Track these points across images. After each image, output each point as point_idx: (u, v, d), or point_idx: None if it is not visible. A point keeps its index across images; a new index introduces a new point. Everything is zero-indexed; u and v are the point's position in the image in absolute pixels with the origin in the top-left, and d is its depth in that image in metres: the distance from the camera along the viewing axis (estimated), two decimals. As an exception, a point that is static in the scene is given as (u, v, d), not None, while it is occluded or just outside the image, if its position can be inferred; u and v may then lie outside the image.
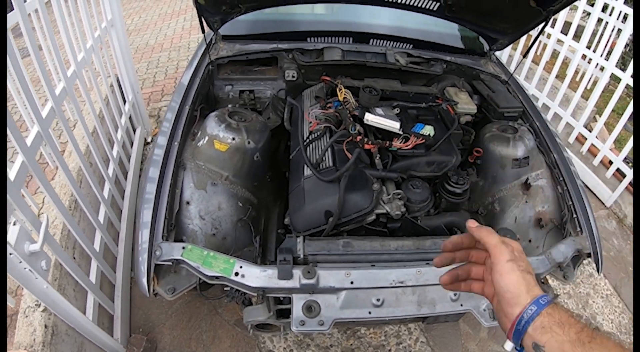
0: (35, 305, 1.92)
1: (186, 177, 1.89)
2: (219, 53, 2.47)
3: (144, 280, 1.55)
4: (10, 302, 1.89)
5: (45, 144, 1.86)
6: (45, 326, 1.87)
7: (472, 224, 0.89)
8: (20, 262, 1.52)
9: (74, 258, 2.28)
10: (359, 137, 1.77)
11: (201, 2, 2.08)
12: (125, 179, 3.02)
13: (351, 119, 1.85)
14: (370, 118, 1.85)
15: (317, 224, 1.75)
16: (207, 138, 1.94)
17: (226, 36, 2.58)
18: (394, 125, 1.87)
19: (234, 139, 1.91)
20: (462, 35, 2.87)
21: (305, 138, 1.97)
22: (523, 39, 4.22)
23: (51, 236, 1.75)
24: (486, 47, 2.82)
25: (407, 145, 1.85)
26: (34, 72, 1.89)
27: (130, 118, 3.38)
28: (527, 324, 0.73)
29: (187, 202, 1.86)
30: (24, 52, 1.87)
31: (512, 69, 4.55)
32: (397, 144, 1.85)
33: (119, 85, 3.25)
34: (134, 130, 3.54)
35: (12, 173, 1.56)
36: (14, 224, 1.54)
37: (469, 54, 2.76)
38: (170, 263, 1.58)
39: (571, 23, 3.95)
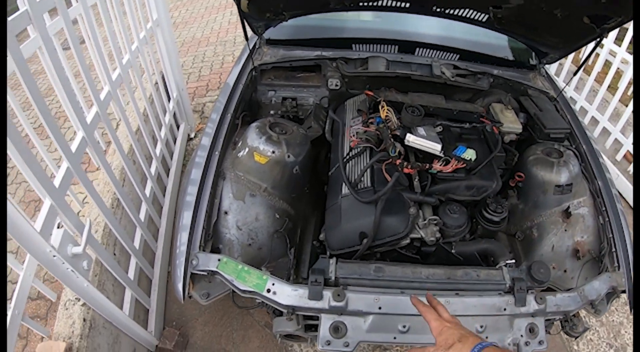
0: (76, 299, 2.00)
1: (225, 186, 1.90)
2: (262, 58, 2.45)
3: (180, 286, 1.59)
4: (52, 296, 1.98)
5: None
6: (84, 320, 1.95)
7: (414, 300, 1.23)
8: (63, 263, 1.58)
9: (114, 254, 2.35)
10: (398, 161, 1.72)
11: (244, 10, 2.05)
12: (167, 175, 3.07)
13: (392, 139, 1.80)
14: (411, 139, 1.80)
15: (351, 244, 1.73)
16: (247, 149, 1.94)
17: (270, 40, 2.56)
18: (435, 148, 1.81)
19: (273, 152, 1.90)
20: (510, 46, 2.74)
21: (345, 154, 1.94)
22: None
23: (93, 237, 1.79)
24: (535, 60, 2.69)
25: (447, 169, 1.79)
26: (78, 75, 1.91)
27: (174, 114, 3.42)
28: None
29: (225, 212, 1.87)
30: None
31: (562, 78, 4.41)
32: (437, 166, 1.79)
33: (164, 83, 3.28)
34: (178, 127, 3.59)
35: (57, 180, 1.61)
36: (58, 227, 1.60)
37: (517, 67, 2.63)
38: (205, 273, 1.61)
39: (627, 29, 3.70)
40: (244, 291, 1.56)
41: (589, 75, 4.08)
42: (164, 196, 2.93)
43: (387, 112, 1.91)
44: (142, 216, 2.51)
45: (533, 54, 2.64)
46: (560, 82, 4.40)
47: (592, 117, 4.08)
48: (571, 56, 4.48)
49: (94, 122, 1.98)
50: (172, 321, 2.66)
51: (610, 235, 1.87)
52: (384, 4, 2.26)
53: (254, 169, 1.92)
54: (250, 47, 2.50)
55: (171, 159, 3.21)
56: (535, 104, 2.39)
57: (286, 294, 1.53)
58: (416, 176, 1.85)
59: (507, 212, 1.83)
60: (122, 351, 2.22)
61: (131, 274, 2.33)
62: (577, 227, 1.97)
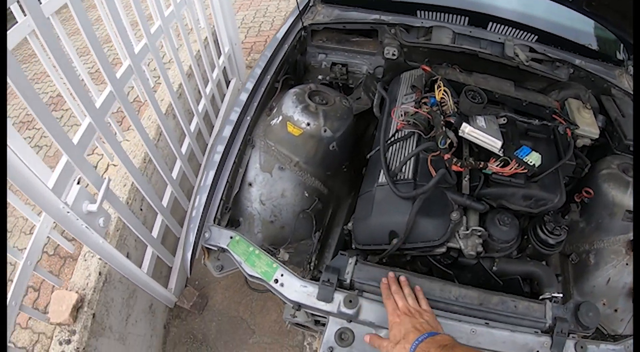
0: (95, 251, 1.93)
1: (253, 156, 1.71)
2: (315, 17, 2.16)
3: (188, 255, 1.47)
4: (69, 248, 1.92)
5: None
6: (99, 273, 1.90)
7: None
8: (77, 220, 1.52)
9: (141, 210, 2.26)
10: (447, 156, 1.42)
11: None
12: (210, 133, 2.91)
13: (443, 127, 1.49)
14: (467, 131, 1.48)
15: (379, 242, 1.48)
16: (281, 118, 1.70)
17: (326, -1, 2.25)
18: (494, 144, 1.49)
19: (309, 124, 1.66)
20: (596, 34, 2.26)
21: (389, 136, 1.66)
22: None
23: (113, 194, 1.71)
24: (624, 54, 2.20)
25: (504, 171, 1.47)
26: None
27: (224, 70, 3.22)
28: None
29: (250, 184, 1.69)
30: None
31: None
32: (493, 166, 1.48)
33: (215, 39, 3.06)
34: (228, 83, 3.39)
35: (77, 136, 1.53)
36: (78, 182, 1.53)
37: (601, 60, 2.17)
38: (216, 248, 1.46)
39: None
40: (251, 276, 1.39)
41: None
42: (203, 154, 2.78)
43: (442, 94, 1.59)
44: (175, 173, 2.37)
45: (622, 46, 2.17)
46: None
47: None
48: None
49: (126, 75, 1.83)
50: (195, 280, 2.58)
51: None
52: None
53: (286, 141, 1.70)
54: (304, 4, 2.22)
55: (216, 116, 3.04)
56: (618, 107, 1.97)
57: (294, 288, 1.34)
58: (467, 174, 1.54)
59: (565, 234, 1.49)
60: (138, 305, 2.17)
61: (155, 231, 2.24)
62: None
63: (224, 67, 3.18)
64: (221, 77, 3.06)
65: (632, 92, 2.06)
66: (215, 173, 1.58)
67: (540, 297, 1.45)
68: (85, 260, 1.91)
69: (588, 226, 1.77)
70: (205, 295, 2.51)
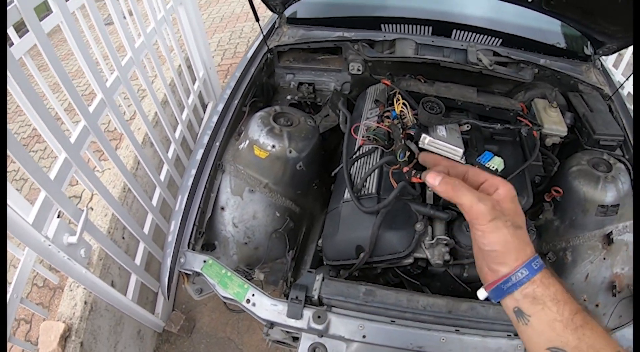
0: (79, 281, 1.97)
1: (224, 180, 1.75)
2: (281, 39, 2.21)
3: (165, 280, 1.53)
4: (53, 279, 1.95)
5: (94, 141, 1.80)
6: (85, 302, 1.95)
7: (431, 179, 0.75)
8: (59, 252, 1.57)
9: (123, 238, 2.29)
10: (405, 168, 1.45)
11: None
12: (189, 160, 2.95)
13: (402, 140, 1.52)
14: (427, 142, 1.51)
15: (347, 257, 1.50)
16: (247, 142, 1.74)
17: (291, 19, 2.30)
18: (455, 153, 1.51)
19: (274, 146, 1.69)
20: (562, 32, 2.30)
21: (352, 154, 1.69)
22: None
23: (93, 225, 1.75)
24: (590, 50, 2.24)
25: (468, 178, 1.49)
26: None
27: (200, 94, 3.27)
28: (513, 288, 0.66)
29: (222, 208, 1.73)
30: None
31: (620, 71, 3.77)
32: (456, 174, 1.51)
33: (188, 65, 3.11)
34: (205, 107, 3.43)
35: (53, 171, 1.57)
36: (59, 216, 1.59)
37: (568, 57, 2.21)
38: (191, 273, 1.52)
39: None
40: (225, 297, 1.44)
41: None
42: (181, 178, 2.81)
43: (402, 107, 1.63)
44: (155, 200, 2.40)
45: (588, 42, 2.21)
46: (618, 75, 3.75)
47: None
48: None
49: (99, 108, 1.87)
50: (182, 304, 2.59)
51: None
52: None
53: (254, 164, 1.74)
54: (270, 27, 2.27)
55: (194, 141, 3.08)
56: (586, 103, 1.99)
57: (264, 307, 1.38)
58: None
59: (534, 236, 1.50)
60: (126, 332, 2.20)
61: (139, 258, 2.26)
62: (617, 257, 1.64)
63: (200, 92, 3.23)
64: (197, 102, 3.10)
65: (599, 86, 2.10)
66: (188, 198, 1.63)
67: None
68: (71, 290, 1.95)
69: (562, 223, 1.78)
70: (192, 318, 2.53)
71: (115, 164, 1.91)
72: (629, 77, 2.26)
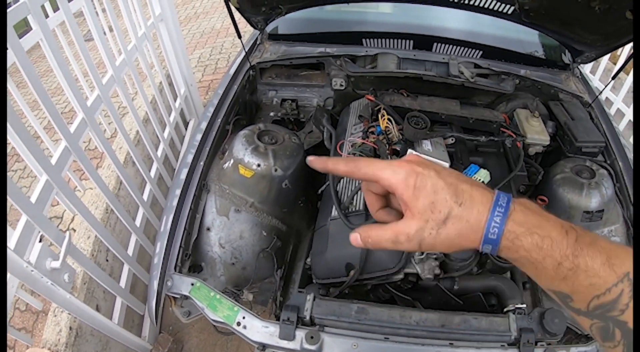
0: (63, 306, 1.92)
1: (209, 200, 1.73)
2: (263, 55, 2.21)
3: (153, 303, 1.49)
4: (37, 305, 1.90)
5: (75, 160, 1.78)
6: (70, 328, 1.89)
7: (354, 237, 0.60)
8: (42, 277, 1.52)
9: (107, 261, 2.25)
10: (393, 186, 1.46)
11: (234, 5, 1.82)
12: (172, 179, 2.92)
13: (388, 157, 1.53)
14: (412, 157, 1.53)
15: (337, 275, 1.50)
16: (232, 161, 1.73)
17: (273, 35, 2.31)
18: (441, 167, 1.53)
19: (259, 165, 1.68)
20: (541, 42, 2.36)
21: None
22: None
23: (76, 249, 1.71)
24: (569, 58, 2.30)
25: (454, 191, 1.50)
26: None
27: (182, 112, 3.24)
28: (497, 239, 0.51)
29: (208, 228, 1.71)
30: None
31: (597, 77, 3.88)
32: (442, 188, 1.52)
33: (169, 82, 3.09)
34: (187, 125, 3.41)
35: (34, 195, 1.52)
36: (41, 240, 1.54)
37: (547, 67, 2.26)
38: (179, 296, 1.48)
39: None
40: (215, 320, 1.41)
41: (628, 75, 3.54)
42: (165, 198, 2.77)
43: (387, 122, 1.64)
44: (138, 221, 2.36)
45: (566, 51, 2.26)
46: (596, 81, 3.87)
47: (630, 120, 3.55)
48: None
49: (80, 128, 1.84)
50: (169, 326, 2.54)
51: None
52: None
53: (239, 183, 1.72)
54: (252, 43, 2.27)
55: (177, 159, 3.05)
56: (567, 111, 2.04)
57: (256, 329, 1.35)
58: None
59: None
60: None
61: (123, 281, 2.21)
62: None
63: (181, 109, 3.20)
64: (179, 120, 3.07)
65: (579, 94, 2.16)
66: (173, 219, 1.60)
67: (505, 309, 1.48)
68: (55, 315, 1.90)
69: None
70: (180, 340, 2.48)
71: (97, 184, 1.87)
72: (607, 84, 2.33)
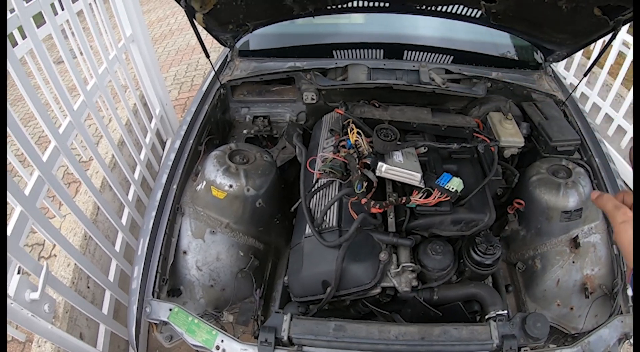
0: (46, 337, 1.89)
1: (184, 223, 1.71)
2: (233, 72, 2.20)
3: (133, 330, 1.49)
4: (20, 337, 1.86)
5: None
6: None
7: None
8: (22, 309, 1.50)
9: (88, 287, 2.21)
10: (363, 200, 1.45)
11: (200, 24, 1.81)
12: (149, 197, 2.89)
13: (359, 171, 1.52)
14: (383, 170, 1.52)
15: (314, 293, 1.48)
16: (204, 183, 1.72)
17: (243, 52, 2.30)
18: (413, 178, 1.53)
19: (231, 186, 1.67)
20: (513, 44, 2.38)
21: (310, 188, 1.68)
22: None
23: (55, 279, 1.68)
24: (540, 57, 2.31)
25: (428, 201, 1.50)
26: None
27: (158, 132, 3.21)
28: None
29: (184, 252, 1.69)
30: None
31: (572, 73, 3.92)
32: (416, 199, 1.51)
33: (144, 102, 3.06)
34: (164, 145, 3.38)
35: (9, 227, 1.51)
36: (19, 272, 1.51)
37: (519, 68, 2.28)
38: (158, 322, 1.47)
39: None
40: (194, 345, 1.41)
41: (602, 69, 3.58)
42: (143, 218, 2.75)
43: (356, 136, 1.64)
44: (117, 246, 2.33)
45: (538, 50, 2.28)
46: (570, 77, 3.93)
47: (606, 114, 3.59)
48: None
49: (53, 157, 1.81)
50: (155, 349, 2.49)
51: (625, 269, 1.57)
52: (358, 4, 1.97)
53: (213, 204, 1.71)
54: (222, 61, 2.26)
55: (154, 180, 3.01)
56: (541, 111, 2.05)
57: None
58: (392, 212, 1.57)
59: (500, 252, 1.52)
60: None
61: (106, 307, 2.18)
62: (586, 259, 1.69)
63: (157, 129, 3.17)
64: (155, 140, 3.05)
65: (552, 93, 2.17)
66: (149, 242, 1.59)
67: (486, 317, 1.47)
68: (39, 346, 1.88)
69: (528, 232, 1.83)
70: (167, 361, 2.44)
71: (74, 212, 1.85)
72: (580, 81, 2.35)
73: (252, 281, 1.71)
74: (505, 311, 1.47)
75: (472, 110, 2.16)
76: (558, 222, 1.73)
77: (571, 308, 1.69)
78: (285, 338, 1.33)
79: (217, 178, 1.68)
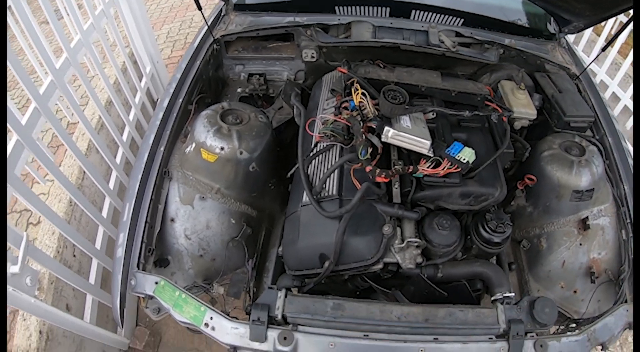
0: (31, 310, 1.77)
1: (172, 189, 1.56)
2: (227, 27, 1.99)
3: (117, 304, 1.38)
4: None
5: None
6: (40, 332, 1.77)
7: None
8: None
9: (74, 256, 2.09)
10: (368, 168, 1.29)
11: None
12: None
13: (363, 136, 1.35)
14: (390, 135, 1.36)
15: (311, 267, 1.35)
16: (194, 145, 1.55)
17: (238, 5, 2.08)
18: (422, 145, 1.37)
19: (222, 148, 1.51)
20: (525, 10, 2.17)
21: (308, 152, 1.51)
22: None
23: (37, 249, 1.56)
24: (554, 28, 2.12)
25: (437, 172, 1.35)
26: None
27: (148, 91, 2.99)
28: None
29: (172, 219, 1.54)
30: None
31: (580, 48, 3.68)
32: (423, 168, 1.36)
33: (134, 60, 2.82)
34: (155, 104, 3.14)
35: None
36: None
37: (532, 36, 2.08)
38: (143, 296, 1.34)
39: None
40: (182, 322, 1.29)
41: (612, 47, 3.35)
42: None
43: (360, 97, 1.46)
44: (105, 212, 2.17)
45: (552, 19, 2.09)
46: (579, 52, 3.70)
47: (613, 93, 3.39)
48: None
49: (33, 119, 1.62)
50: (145, 317, 2.39)
51: (633, 255, 1.47)
52: None
53: (203, 168, 1.56)
54: (216, 15, 2.05)
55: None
56: (554, 83, 1.89)
57: (225, 331, 1.24)
58: (397, 181, 1.41)
59: (510, 230, 1.38)
60: None
61: (93, 277, 2.05)
62: (594, 242, 1.59)
63: (147, 88, 2.94)
64: (145, 100, 2.82)
65: (566, 65, 2.01)
66: (134, 208, 1.45)
67: (492, 298, 1.37)
68: (25, 319, 1.77)
69: (536, 209, 1.71)
70: (157, 332, 2.35)
71: (56, 178, 1.69)
72: (597, 55, 2.16)
73: (244, 251, 1.57)
74: (513, 294, 1.36)
75: (483, 78, 1.99)
76: (568, 201, 1.61)
77: (575, 291, 1.61)
78: (279, 317, 1.22)
79: (208, 140, 1.52)
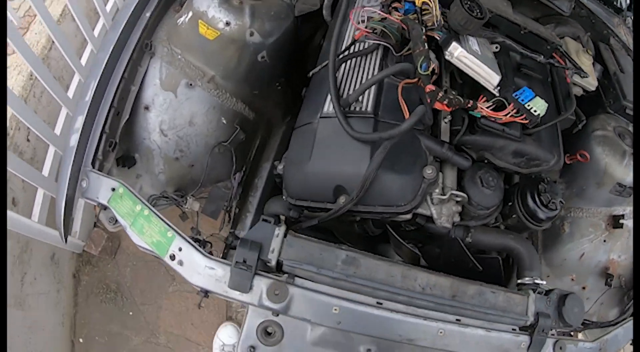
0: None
1: (152, 68, 1.12)
2: None
3: (61, 210, 1.01)
4: None
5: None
6: None
7: None
8: None
9: (28, 140, 1.63)
10: (429, 87, 0.85)
11: None
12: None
13: (425, 45, 0.90)
14: (456, 54, 0.92)
15: (320, 199, 0.95)
16: (190, 14, 1.08)
17: None
18: (490, 79, 0.95)
19: (228, 23, 1.07)
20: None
21: (342, 50, 1.05)
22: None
23: None
24: (625, 2, 1.78)
25: (498, 116, 0.94)
26: None
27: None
28: None
29: (146, 107, 1.12)
30: None
31: None
32: (483, 108, 0.94)
33: None
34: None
35: None
36: None
37: (604, 3, 1.72)
38: (96, 204, 1.00)
39: None
40: (142, 247, 0.93)
41: None
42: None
43: (427, -3, 0.99)
44: (71, 92, 1.66)
45: None
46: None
47: None
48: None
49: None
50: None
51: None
52: None
53: (197, 47, 1.12)
54: None
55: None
56: (617, 61, 1.54)
57: (197, 270, 0.87)
58: (447, 114, 1.00)
59: (560, 210, 1.07)
60: (35, 260, 1.65)
61: (47, 168, 1.57)
62: (618, 243, 1.39)
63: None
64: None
65: (630, 47, 1.68)
66: (98, 86, 1.02)
67: (519, 281, 1.06)
68: None
69: (568, 189, 1.44)
70: (116, 236, 1.96)
71: (15, 46, 1.21)
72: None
73: (232, 160, 1.21)
74: (544, 281, 1.06)
75: (546, 27, 1.55)
76: (607, 192, 1.34)
77: (583, 288, 1.43)
78: (273, 262, 0.84)
79: (211, 9, 1.07)
